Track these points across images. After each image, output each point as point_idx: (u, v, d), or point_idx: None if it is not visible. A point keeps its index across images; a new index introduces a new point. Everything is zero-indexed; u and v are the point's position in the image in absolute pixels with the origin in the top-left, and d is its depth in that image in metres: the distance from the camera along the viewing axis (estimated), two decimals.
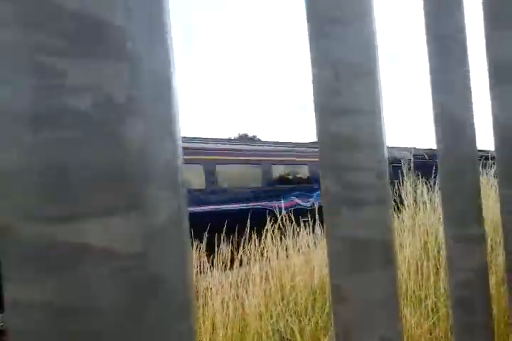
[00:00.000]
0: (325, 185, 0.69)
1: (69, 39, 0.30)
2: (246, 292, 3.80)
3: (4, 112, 0.31)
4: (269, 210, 6.72)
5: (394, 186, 4.66)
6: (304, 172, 10.26)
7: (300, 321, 3.17)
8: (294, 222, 5.02)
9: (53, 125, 0.29)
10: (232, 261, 4.48)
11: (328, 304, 3.45)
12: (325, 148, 0.69)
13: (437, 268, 3.14)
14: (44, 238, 0.29)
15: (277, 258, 4.52)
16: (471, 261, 1.07)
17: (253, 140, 15.05)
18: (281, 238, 4.89)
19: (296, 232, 4.96)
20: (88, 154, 0.30)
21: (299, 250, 4.70)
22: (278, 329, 2.94)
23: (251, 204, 8.57)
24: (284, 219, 5.03)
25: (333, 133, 0.67)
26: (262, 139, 14.07)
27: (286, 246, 4.75)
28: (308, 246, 4.74)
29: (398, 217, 3.84)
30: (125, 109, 0.31)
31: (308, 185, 9.92)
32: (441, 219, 1.08)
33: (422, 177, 4.74)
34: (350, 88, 0.66)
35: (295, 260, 4.43)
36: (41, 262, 0.29)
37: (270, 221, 4.91)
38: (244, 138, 14.92)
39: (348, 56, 0.66)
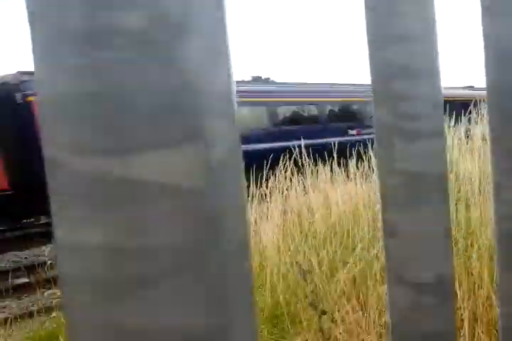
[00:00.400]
0: (378, 115, 0.65)
1: None
2: (264, 228, 3.88)
3: (49, 30, 0.27)
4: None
5: None
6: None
7: (318, 254, 3.24)
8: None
9: (105, 45, 0.26)
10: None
11: (344, 237, 3.52)
12: (378, 76, 0.65)
13: None
14: (98, 173, 0.27)
15: (296, 195, 4.58)
16: None
17: (268, 81, 14.79)
18: (298, 175, 4.92)
19: (315, 170, 4.98)
20: (143, 78, 0.27)
21: (315, 188, 4.74)
22: (297, 262, 3.01)
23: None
24: (303, 157, 5.03)
25: (386, 60, 0.63)
26: (276, 81, 13.91)
27: (304, 184, 4.79)
28: (326, 183, 4.78)
29: None
30: (181, 27, 0.28)
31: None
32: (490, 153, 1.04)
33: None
34: (404, 13, 0.62)
35: (313, 197, 4.47)
36: (94, 199, 0.27)
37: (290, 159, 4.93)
38: (258, 80, 14.71)
39: None
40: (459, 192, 3.41)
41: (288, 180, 4.86)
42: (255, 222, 4.11)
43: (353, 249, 3.21)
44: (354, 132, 11.56)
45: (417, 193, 0.65)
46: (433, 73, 0.64)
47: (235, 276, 0.30)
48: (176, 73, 0.28)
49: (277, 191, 4.63)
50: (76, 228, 0.28)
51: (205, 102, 0.29)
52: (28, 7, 0.28)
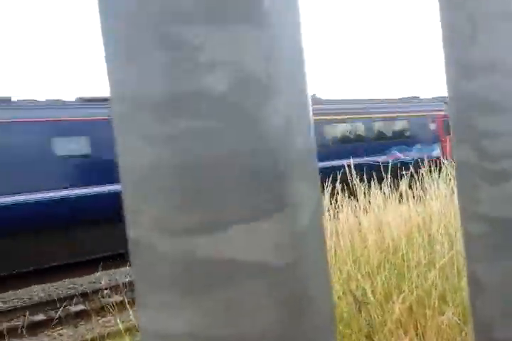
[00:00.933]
0: (460, 154, 0.58)
1: (199, 2, 0.23)
2: None
3: (129, 99, 0.25)
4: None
5: None
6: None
7: (372, 282, 3.11)
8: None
9: (186, 112, 0.24)
10: None
11: (398, 263, 3.36)
12: (459, 109, 0.58)
13: None
14: (183, 253, 0.24)
15: (347, 217, 4.45)
16: None
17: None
18: (350, 197, 4.80)
19: (367, 191, 4.84)
20: (227, 146, 0.24)
21: (366, 211, 4.60)
22: (350, 290, 2.90)
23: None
24: (353, 177, 4.92)
25: (469, 92, 0.57)
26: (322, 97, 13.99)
27: (356, 206, 4.66)
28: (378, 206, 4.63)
29: None
30: (266, 88, 0.25)
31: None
32: None
33: None
34: (488, 37, 0.55)
35: (364, 220, 4.34)
36: (180, 283, 0.24)
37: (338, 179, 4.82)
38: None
39: None
40: None
41: (338, 201, 4.75)
42: None
43: (409, 276, 3.06)
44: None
45: (507, 242, 0.57)
46: None
47: None
48: (261, 137, 0.25)
49: (327, 213, 4.52)
50: (161, 315, 0.25)
51: (289, 163, 0.26)
52: (108, 73, 0.26)
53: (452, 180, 4.34)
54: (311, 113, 0.29)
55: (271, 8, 0.25)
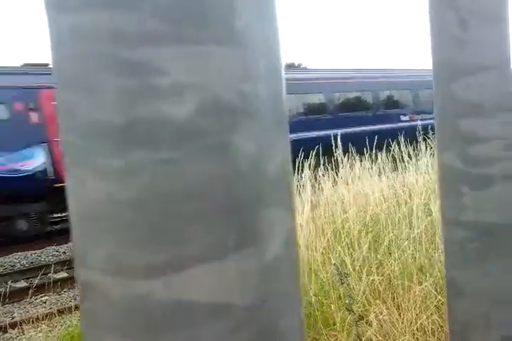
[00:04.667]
0: (442, 159, 0.58)
1: (162, 20, 0.21)
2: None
3: (85, 128, 0.22)
4: None
5: None
6: None
7: (351, 254, 3.18)
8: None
9: (146, 142, 0.22)
10: None
11: (380, 237, 3.44)
12: (443, 113, 0.57)
13: None
14: (137, 296, 0.22)
15: (329, 188, 4.51)
16: None
17: (304, 69, 14.66)
18: (333, 169, 4.86)
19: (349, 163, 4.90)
20: (191, 180, 0.22)
21: (350, 181, 4.67)
22: (334, 264, 2.97)
23: None
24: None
25: (454, 95, 0.55)
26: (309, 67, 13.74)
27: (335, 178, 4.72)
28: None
29: None
30: (237, 112, 0.23)
31: None
32: None
33: None
34: (476, 39, 0.54)
35: (345, 191, 4.40)
36: (135, 332, 0.22)
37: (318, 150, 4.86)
38: (293, 67, 14.61)
39: (474, 0, 0.54)
40: None
41: (320, 172, 4.81)
42: None
43: (388, 248, 3.14)
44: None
45: (487, 248, 0.58)
46: (508, 109, 0.56)
47: None
48: (230, 167, 0.23)
49: (309, 183, 4.57)
50: None
51: (261, 192, 0.24)
52: (58, 95, 0.24)
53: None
54: (287, 134, 0.26)
55: (244, 27, 0.23)
